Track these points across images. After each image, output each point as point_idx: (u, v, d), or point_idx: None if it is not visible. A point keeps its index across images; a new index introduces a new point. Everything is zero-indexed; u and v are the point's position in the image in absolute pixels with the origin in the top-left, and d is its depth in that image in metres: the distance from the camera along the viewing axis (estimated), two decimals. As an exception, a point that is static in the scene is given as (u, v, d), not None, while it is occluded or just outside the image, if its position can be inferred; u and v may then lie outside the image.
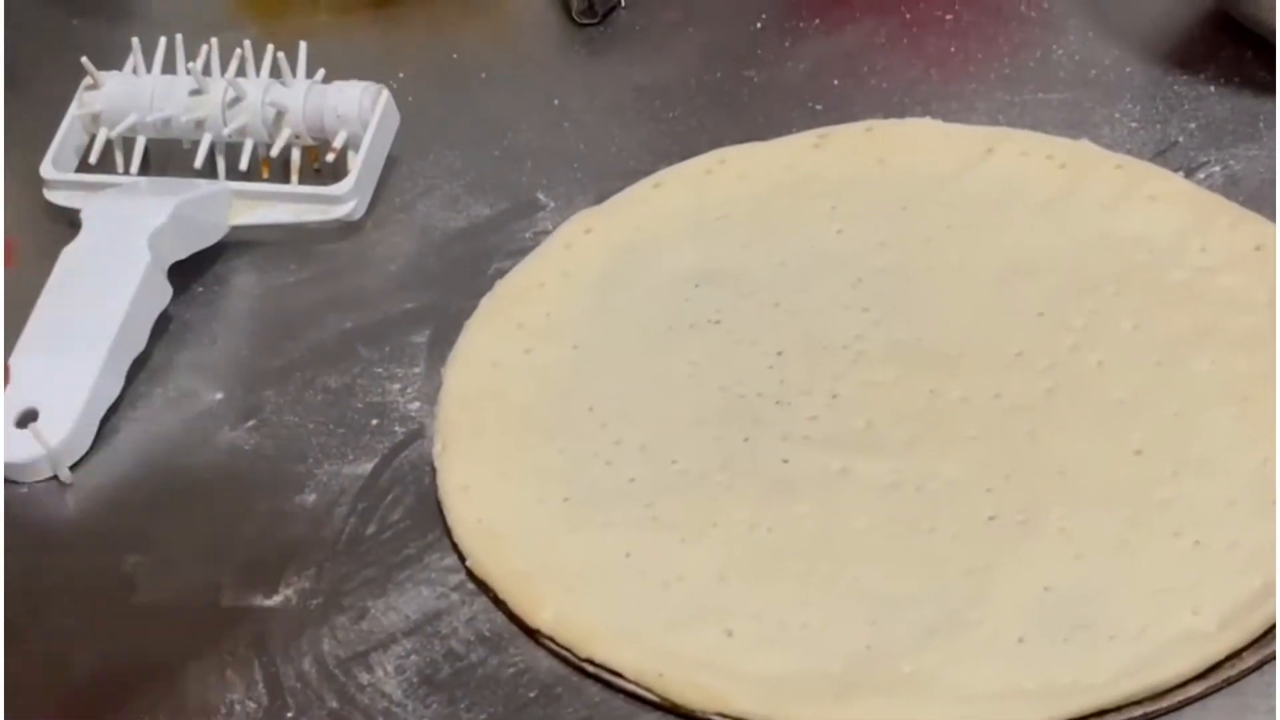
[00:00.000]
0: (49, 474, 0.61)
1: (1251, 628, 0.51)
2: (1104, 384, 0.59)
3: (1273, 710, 0.50)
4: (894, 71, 0.75)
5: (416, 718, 0.52)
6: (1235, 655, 0.50)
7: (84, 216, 0.67)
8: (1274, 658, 0.51)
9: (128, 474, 0.61)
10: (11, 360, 0.62)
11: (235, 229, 0.69)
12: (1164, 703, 0.50)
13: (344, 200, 0.69)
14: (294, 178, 0.70)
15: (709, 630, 0.53)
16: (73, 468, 0.61)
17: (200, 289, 0.68)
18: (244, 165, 0.70)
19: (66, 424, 0.61)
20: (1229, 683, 0.50)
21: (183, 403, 0.63)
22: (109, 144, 0.71)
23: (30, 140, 0.72)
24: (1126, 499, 0.55)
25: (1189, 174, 0.67)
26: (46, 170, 0.71)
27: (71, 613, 0.57)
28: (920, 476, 0.57)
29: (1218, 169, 0.68)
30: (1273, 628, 0.51)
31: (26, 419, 0.61)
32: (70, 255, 0.65)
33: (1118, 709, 0.50)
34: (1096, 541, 0.54)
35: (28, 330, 0.63)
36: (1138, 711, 0.50)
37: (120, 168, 0.71)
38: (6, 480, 0.61)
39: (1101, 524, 0.55)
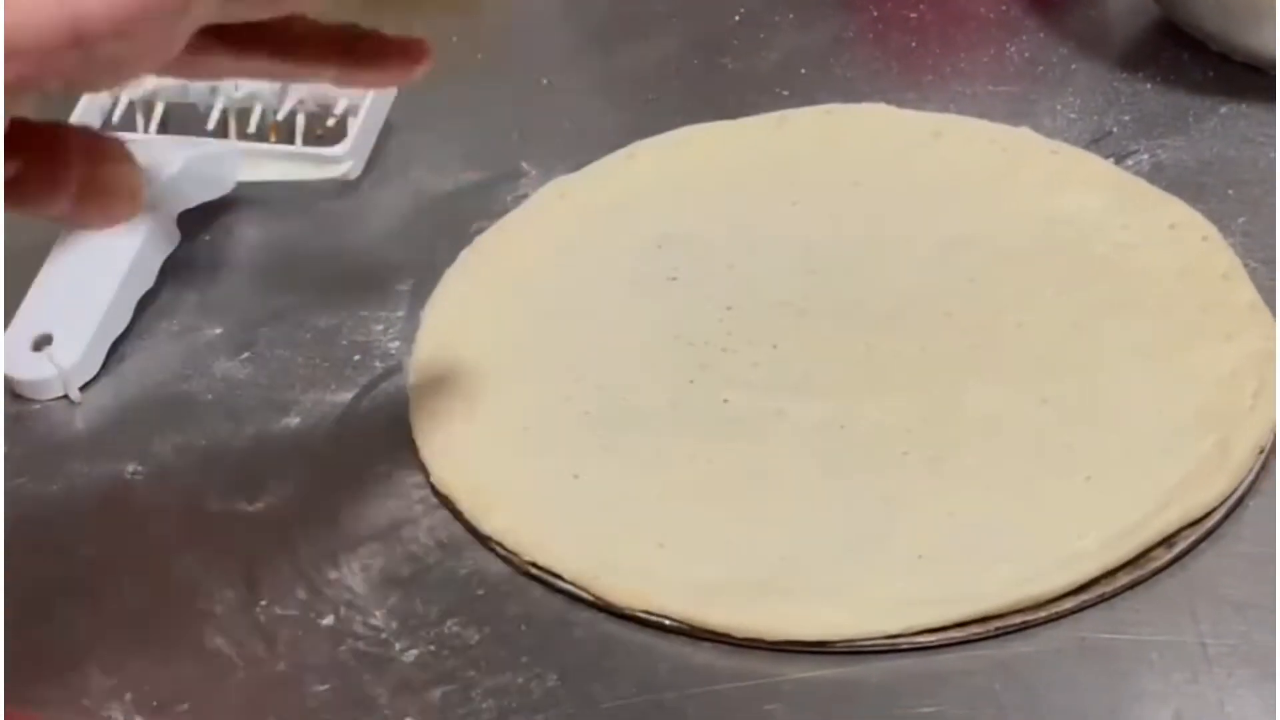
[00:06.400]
0: (60, 393, 0.66)
1: (1125, 551, 0.56)
2: (1022, 342, 0.65)
3: (1140, 624, 0.55)
4: (858, 63, 0.81)
5: (375, 608, 0.58)
6: (1110, 575, 0.56)
7: None
8: (1146, 578, 0.56)
9: (131, 396, 0.67)
10: (31, 291, 0.68)
11: (242, 184, 0.75)
12: (1042, 613, 0.55)
13: (341, 161, 0.75)
14: (298, 140, 0.76)
15: (643, 542, 0.58)
16: (82, 389, 0.67)
17: (207, 236, 0.74)
18: (252, 128, 0.76)
19: (77, 349, 0.66)
20: (1103, 599, 0.55)
21: (185, 335, 0.69)
22: (130, 105, 0.77)
23: (59, 100, 0.79)
24: (1030, 442, 0.60)
25: (1119, 161, 0.72)
26: None
27: (76, 513, 0.62)
28: (847, 417, 0.62)
29: (1145, 157, 0.73)
30: (1146, 551, 0.56)
31: (42, 343, 0.66)
32: None
33: (1001, 616, 0.55)
34: (998, 477, 0.59)
35: (47, 264, 0.69)
36: (1017, 620, 0.55)
37: (140, 128, 0.77)
38: (22, 397, 0.67)
39: (1004, 462, 0.60)
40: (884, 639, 0.55)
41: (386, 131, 0.77)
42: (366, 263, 0.72)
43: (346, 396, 0.66)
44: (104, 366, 0.68)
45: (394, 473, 0.63)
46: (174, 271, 0.71)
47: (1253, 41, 0.74)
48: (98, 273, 0.69)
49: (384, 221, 0.74)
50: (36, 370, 0.66)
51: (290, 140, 0.76)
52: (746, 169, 0.74)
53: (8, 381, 0.67)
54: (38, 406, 0.67)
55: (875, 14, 0.84)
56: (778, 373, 0.65)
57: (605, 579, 0.57)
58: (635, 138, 0.76)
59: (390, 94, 0.77)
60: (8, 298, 0.68)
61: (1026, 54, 0.80)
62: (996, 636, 0.55)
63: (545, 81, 0.81)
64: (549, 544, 0.58)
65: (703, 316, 0.67)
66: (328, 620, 0.57)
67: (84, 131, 0.48)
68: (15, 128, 0.45)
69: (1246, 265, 0.66)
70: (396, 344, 0.68)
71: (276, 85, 0.76)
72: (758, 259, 0.70)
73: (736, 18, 0.84)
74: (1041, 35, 0.81)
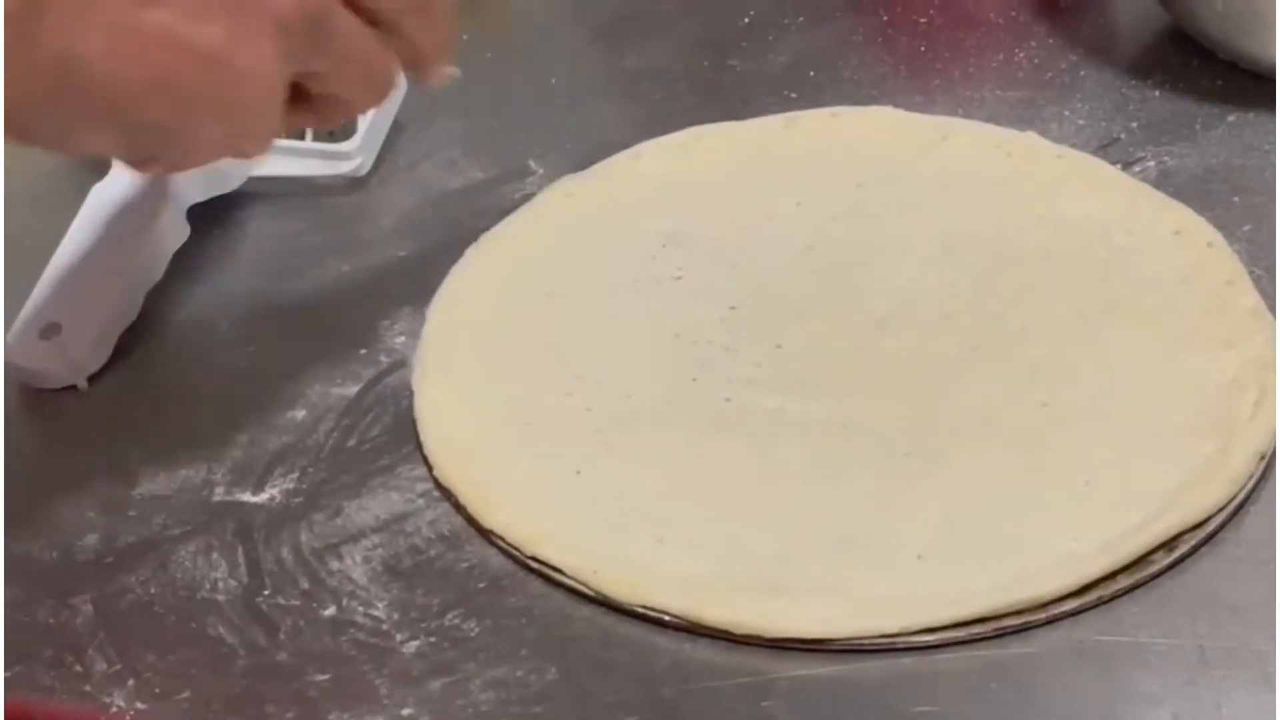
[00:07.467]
0: (68, 382, 0.67)
1: (1125, 554, 0.56)
2: (1021, 345, 0.65)
3: (1138, 627, 0.55)
4: (866, 66, 0.81)
5: (377, 599, 0.58)
6: (1110, 578, 0.56)
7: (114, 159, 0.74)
8: (1145, 582, 0.56)
9: (138, 386, 0.67)
10: (41, 280, 0.69)
11: (251, 179, 0.75)
12: (1041, 615, 0.55)
13: (351, 157, 0.75)
14: (308, 136, 0.76)
15: (642, 537, 0.59)
16: (90, 379, 0.67)
17: (217, 230, 0.74)
18: (263, 123, 0.77)
19: (86, 339, 0.67)
20: (1102, 601, 0.55)
21: (192, 327, 0.69)
22: (142, 99, 0.78)
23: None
24: (1029, 443, 0.61)
25: (1125, 167, 0.73)
26: None
27: (80, 502, 0.62)
28: (846, 416, 0.63)
29: (1152, 163, 0.73)
30: (1146, 555, 0.56)
31: (50, 332, 0.67)
32: (99, 192, 0.72)
33: (999, 617, 0.55)
34: (997, 478, 0.59)
35: (57, 255, 0.69)
36: (1016, 621, 0.55)
37: None
38: (30, 386, 0.67)
39: (1003, 463, 0.60)
40: (882, 638, 0.55)
41: (396, 129, 0.78)
42: (373, 258, 0.72)
43: (351, 390, 0.66)
44: (111, 358, 0.68)
45: (397, 466, 0.63)
46: (183, 264, 0.72)
47: (1260, 50, 0.74)
48: (107, 264, 0.69)
49: (391, 218, 0.75)
50: (45, 359, 0.67)
51: (300, 136, 0.76)
52: (752, 170, 0.74)
53: (16, 371, 0.67)
54: (45, 396, 0.67)
55: (885, 17, 0.84)
56: (779, 372, 0.65)
57: (605, 574, 0.57)
58: (642, 137, 0.76)
59: (400, 92, 0.77)
60: (19, 287, 0.69)
61: (1035, 60, 0.80)
62: (994, 637, 0.55)
63: (553, 81, 0.82)
64: (549, 539, 0.59)
65: (706, 315, 0.67)
66: (329, 611, 0.58)
67: None
68: None
69: (1251, 272, 0.66)
70: (401, 339, 0.68)
71: (287, 80, 0.76)
72: (761, 259, 0.70)
73: (745, 19, 0.85)
74: (1050, 41, 0.81)
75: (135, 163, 0.58)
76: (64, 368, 0.67)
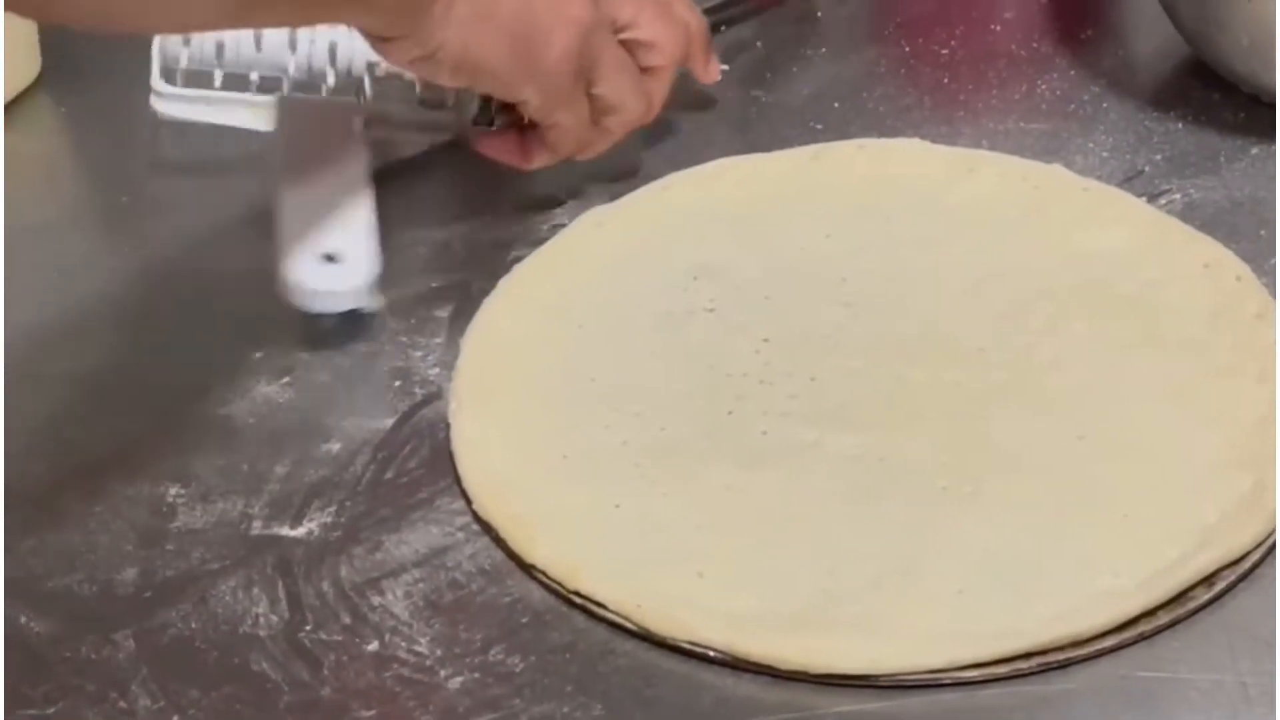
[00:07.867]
0: (352, 306, 0.69)
1: (1165, 590, 0.56)
2: (1054, 378, 0.65)
3: (1179, 662, 0.55)
4: (891, 98, 0.82)
5: (419, 635, 0.58)
6: (1150, 614, 0.56)
7: (279, 112, 0.77)
8: (1186, 617, 0.56)
9: (171, 418, 0.67)
10: (304, 213, 0.71)
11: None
12: (1084, 650, 0.55)
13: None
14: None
15: (684, 571, 0.59)
16: (123, 410, 0.67)
17: (244, 262, 0.74)
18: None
19: (363, 259, 0.70)
20: (1144, 637, 0.56)
21: (226, 358, 0.69)
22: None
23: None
24: (1066, 477, 0.61)
25: (1151, 199, 0.73)
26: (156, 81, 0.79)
27: (119, 535, 0.62)
28: (883, 450, 0.63)
29: (1178, 196, 0.74)
30: (1185, 591, 0.57)
31: (330, 260, 0.69)
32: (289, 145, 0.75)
33: (1043, 653, 0.55)
34: (1035, 512, 0.60)
35: (286, 206, 0.71)
36: (1059, 657, 0.55)
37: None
38: (317, 313, 0.69)
39: (1041, 497, 0.61)
40: (926, 674, 0.55)
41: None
42: (406, 290, 0.72)
43: (388, 422, 0.66)
44: (143, 391, 0.68)
45: (435, 499, 0.63)
46: (212, 297, 0.72)
47: (1283, 84, 0.75)
48: (359, 198, 0.72)
49: (423, 249, 0.75)
50: (329, 281, 0.69)
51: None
52: (781, 201, 0.75)
53: (299, 293, 0.69)
54: (74, 429, 0.67)
55: (907, 49, 0.85)
56: (815, 404, 0.65)
57: (648, 609, 0.58)
58: (669, 167, 0.77)
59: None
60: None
61: (1057, 91, 0.81)
62: (1038, 673, 0.55)
63: (580, 112, 0.82)
64: (591, 573, 0.59)
65: (740, 348, 0.68)
66: (372, 646, 0.58)
67: None
68: None
69: (1280, 305, 0.67)
70: (436, 370, 0.68)
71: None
72: (793, 291, 0.70)
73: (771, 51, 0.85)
74: (1072, 73, 0.82)
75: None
76: (347, 293, 0.69)
